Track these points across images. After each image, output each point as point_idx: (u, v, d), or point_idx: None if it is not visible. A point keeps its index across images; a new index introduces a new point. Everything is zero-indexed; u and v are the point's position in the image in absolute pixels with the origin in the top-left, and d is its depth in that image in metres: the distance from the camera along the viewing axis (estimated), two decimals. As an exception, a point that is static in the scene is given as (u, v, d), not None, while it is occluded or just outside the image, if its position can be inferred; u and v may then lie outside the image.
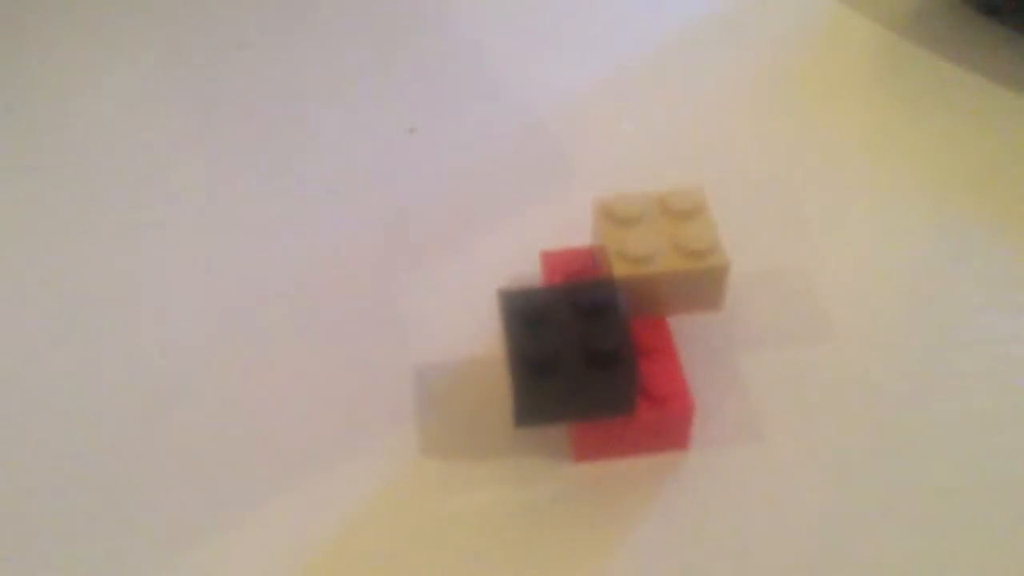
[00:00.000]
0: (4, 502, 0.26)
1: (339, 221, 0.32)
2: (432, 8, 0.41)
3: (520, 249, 0.30)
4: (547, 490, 0.25)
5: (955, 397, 0.27)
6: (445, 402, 0.27)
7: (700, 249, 0.26)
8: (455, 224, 0.32)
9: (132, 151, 0.35)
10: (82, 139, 0.36)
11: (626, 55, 0.38)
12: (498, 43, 0.39)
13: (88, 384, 0.28)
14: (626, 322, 0.24)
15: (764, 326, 0.29)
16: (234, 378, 0.28)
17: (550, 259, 0.28)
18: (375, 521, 0.25)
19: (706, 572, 0.24)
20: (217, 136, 0.36)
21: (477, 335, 0.29)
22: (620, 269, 0.26)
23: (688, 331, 0.28)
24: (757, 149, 0.34)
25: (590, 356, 0.24)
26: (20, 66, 0.39)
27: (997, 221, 0.31)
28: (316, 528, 0.25)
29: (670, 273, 0.26)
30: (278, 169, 0.34)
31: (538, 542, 0.24)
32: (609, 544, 0.24)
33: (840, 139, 0.34)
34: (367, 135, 0.35)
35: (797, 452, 0.26)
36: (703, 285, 0.26)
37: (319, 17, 0.41)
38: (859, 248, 0.31)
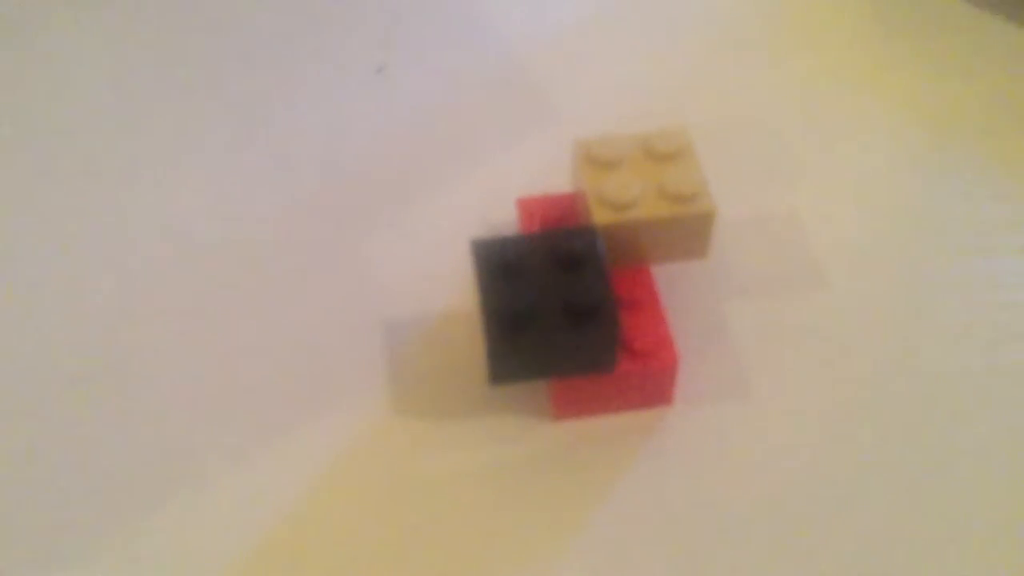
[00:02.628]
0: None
1: (303, 167, 0.31)
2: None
3: (495, 196, 0.29)
4: (524, 450, 0.24)
5: (951, 348, 0.26)
6: (416, 359, 0.26)
7: (685, 194, 0.24)
8: (426, 169, 0.30)
9: (94, 92, 0.33)
10: (46, 75, 0.34)
11: None
12: None
13: (43, 338, 0.27)
14: (607, 273, 0.23)
15: (752, 275, 0.27)
16: (196, 333, 0.27)
17: (527, 206, 0.27)
18: (343, 483, 0.24)
19: (689, 533, 0.23)
20: (181, 79, 0.34)
21: (450, 287, 0.27)
22: (601, 216, 0.24)
23: (672, 281, 0.27)
24: (744, 89, 0.33)
25: (569, 310, 0.22)
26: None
27: (995, 161, 0.30)
28: (282, 490, 0.24)
29: (654, 220, 0.24)
30: (241, 113, 0.32)
31: (514, 504, 0.23)
32: (588, 504, 0.23)
33: (832, 77, 0.33)
34: (331, 75, 0.33)
35: (785, 407, 0.25)
36: (688, 232, 0.25)
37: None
38: (851, 192, 0.30)
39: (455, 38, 0.35)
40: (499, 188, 0.29)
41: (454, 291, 0.27)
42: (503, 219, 0.28)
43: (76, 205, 0.30)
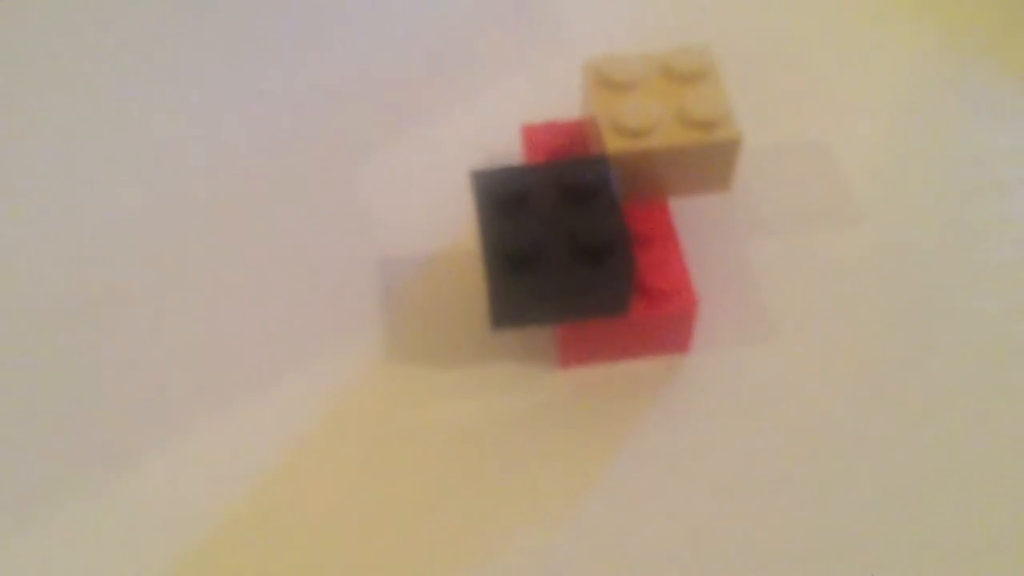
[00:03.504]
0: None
1: (293, 95, 0.29)
2: None
3: (498, 123, 0.27)
4: (527, 400, 0.23)
5: (988, 288, 0.24)
6: (413, 300, 0.25)
7: (707, 119, 0.22)
8: (424, 95, 0.29)
9: (82, 26, 0.31)
10: (37, 12, 0.32)
11: None
12: None
13: (27, 274, 0.25)
14: (620, 207, 0.21)
15: (776, 209, 0.26)
16: (183, 271, 0.25)
17: (533, 134, 0.25)
18: (338, 432, 0.23)
19: (707, 486, 0.22)
20: (172, 7, 0.32)
21: (449, 223, 0.26)
22: (614, 144, 0.22)
23: (691, 215, 0.25)
24: (767, 9, 0.31)
25: (578, 247, 0.21)
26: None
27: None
28: (275, 439, 0.23)
29: (672, 148, 0.23)
30: (231, 40, 0.31)
31: (516, 457, 0.22)
32: (598, 458, 0.22)
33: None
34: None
35: (810, 353, 0.23)
36: (710, 162, 0.23)
37: None
38: (880, 118, 0.28)
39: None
40: (502, 115, 0.27)
41: (454, 226, 0.26)
42: (506, 148, 0.27)
43: (65, 137, 0.28)
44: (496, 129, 0.27)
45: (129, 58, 0.30)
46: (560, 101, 0.26)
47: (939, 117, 0.28)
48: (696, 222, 0.25)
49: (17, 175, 0.27)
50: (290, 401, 0.23)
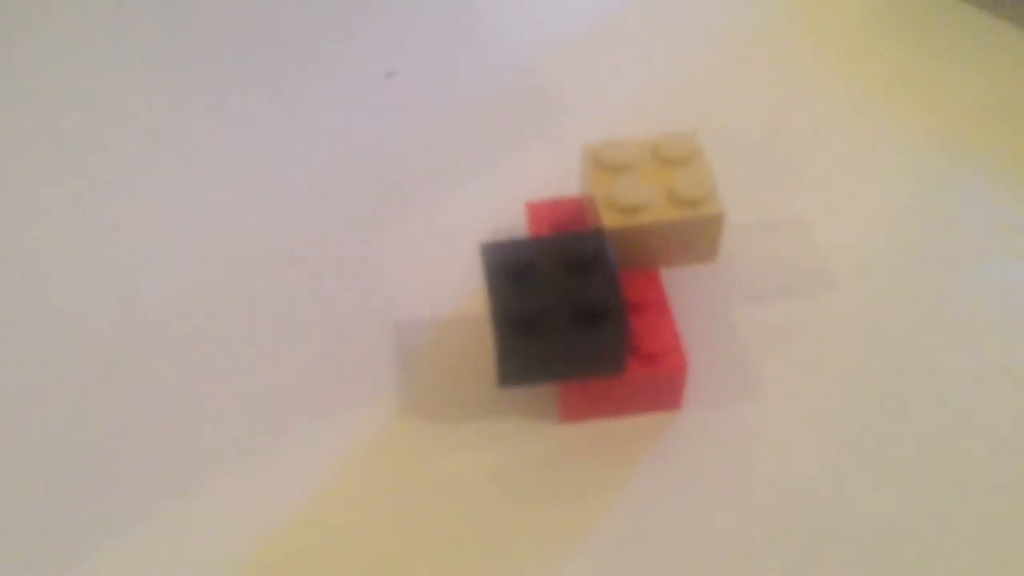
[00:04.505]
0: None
1: (315, 171, 0.31)
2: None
3: (504, 200, 0.29)
4: (532, 452, 0.24)
5: (960, 351, 0.26)
6: (426, 360, 0.26)
7: (694, 197, 0.25)
8: (436, 174, 0.31)
9: (117, 101, 0.34)
10: (61, 80, 0.34)
11: (618, 0, 0.37)
12: None
13: (58, 334, 0.27)
14: (616, 276, 0.23)
15: (760, 279, 0.28)
16: (209, 333, 0.27)
17: (536, 210, 0.27)
18: (353, 483, 0.24)
19: (699, 537, 0.23)
20: (194, 82, 0.34)
21: (460, 290, 0.27)
22: (610, 219, 0.24)
23: (681, 284, 0.27)
24: (753, 96, 0.33)
25: (578, 312, 0.23)
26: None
27: (1001, 164, 0.30)
28: (293, 490, 0.24)
29: (662, 223, 0.24)
30: (253, 116, 0.33)
31: (522, 506, 0.23)
32: (595, 508, 0.23)
33: (842, 84, 0.33)
34: (342, 80, 0.34)
35: (794, 411, 0.25)
36: (697, 236, 0.25)
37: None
38: (860, 196, 0.30)
39: (464, 44, 0.35)
40: (508, 192, 0.29)
41: (464, 294, 0.27)
42: (512, 223, 0.28)
43: (100, 207, 0.30)
44: (503, 205, 0.28)
45: (165, 130, 0.32)
46: (561, 181, 0.28)
47: (908, 196, 0.29)
48: (686, 290, 0.27)
49: (66, 235, 0.29)
50: (314, 452, 0.24)
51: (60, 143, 0.32)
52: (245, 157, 0.32)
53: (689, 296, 0.27)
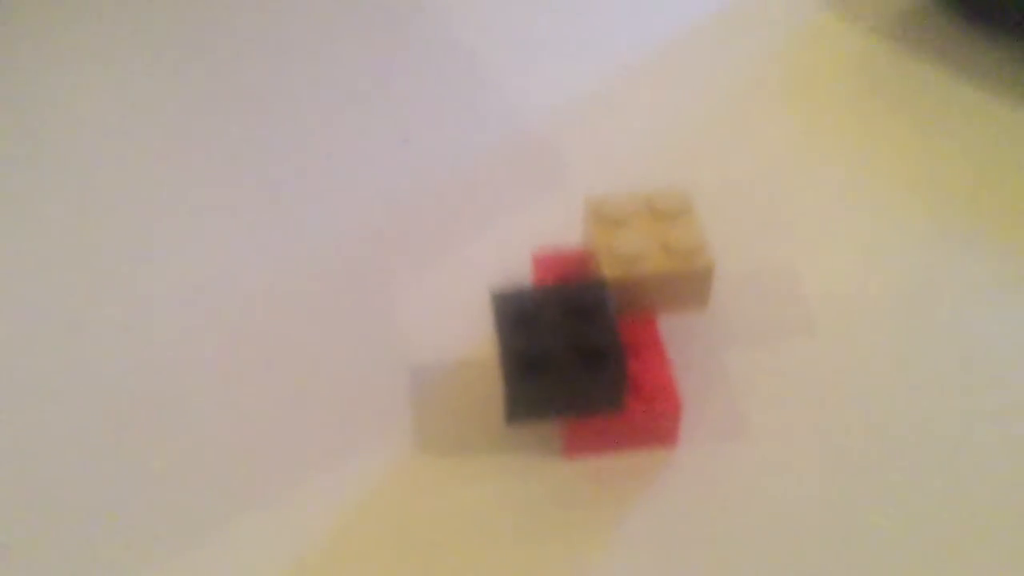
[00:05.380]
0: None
1: (334, 227, 0.33)
2: (424, 17, 0.41)
3: (512, 252, 0.31)
4: (538, 486, 0.26)
5: (940, 396, 0.27)
6: (439, 401, 0.28)
7: (687, 250, 0.26)
8: (448, 228, 0.32)
9: (125, 151, 0.35)
10: (76, 132, 0.36)
11: (615, 59, 0.39)
12: (489, 49, 0.40)
13: (76, 385, 0.28)
14: (615, 321, 0.25)
15: (750, 325, 0.29)
16: (227, 378, 0.28)
17: (541, 261, 0.29)
18: (369, 518, 0.25)
19: (695, 567, 0.24)
20: (211, 140, 0.36)
21: (470, 336, 0.29)
22: (610, 269, 0.26)
23: (676, 330, 0.28)
24: (744, 153, 0.35)
25: (580, 354, 0.24)
26: (12, 54, 0.39)
27: (979, 220, 0.32)
28: (311, 524, 0.25)
29: (658, 274, 0.26)
30: (273, 177, 0.35)
31: (528, 536, 0.25)
32: (597, 539, 0.25)
33: (826, 143, 0.35)
34: (362, 146, 0.36)
35: (783, 450, 0.26)
36: (690, 285, 0.27)
37: (315, 30, 0.41)
38: (843, 249, 0.31)
39: (472, 110, 0.37)
40: (515, 245, 0.31)
41: (474, 339, 0.29)
42: (519, 273, 0.30)
43: (118, 261, 0.32)
44: (510, 257, 0.30)
45: (189, 190, 0.34)
46: (563, 233, 0.29)
47: (890, 248, 0.31)
48: (681, 335, 0.28)
49: (82, 287, 0.31)
50: (329, 489, 0.26)
51: (87, 184, 0.34)
52: (267, 210, 0.33)
53: (683, 341, 0.28)
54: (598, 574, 0.24)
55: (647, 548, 0.25)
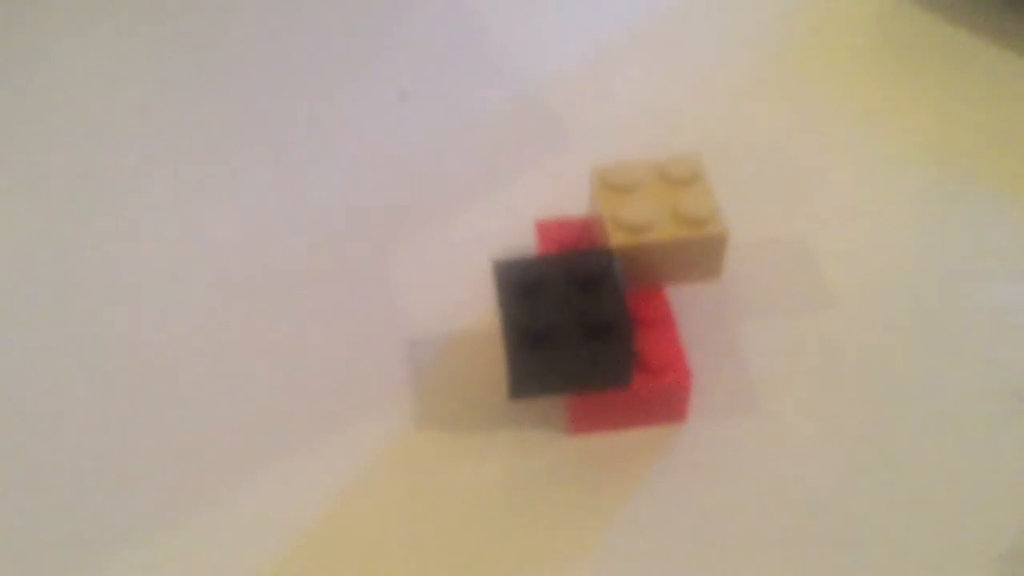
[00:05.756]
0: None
1: (328, 192, 0.32)
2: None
3: (515, 219, 0.30)
4: (541, 462, 0.25)
5: (959, 365, 0.27)
6: (440, 374, 0.27)
7: (698, 217, 0.25)
8: (448, 193, 0.32)
9: (116, 121, 0.35)
10: (71, 109, 0.35)
11: (624, 23, 0.38)
12: (492, 7, 0.38)
13: (80, 356, 0.28)
14: (623, 293, 0.24)
15: (763, 295, 0.28)
16: (225, 351, 0.28)
17: (545, 229, 0.28)
18: (369, 493, 0.25)
19: (703, 546, 0.24)
20: (204, 104, 0.35)
21: (472, 307, 0.28)
22: (617, 238, 0.25)
23: (686, 301, 0.27)
24: (757, 117, 0.34)
25: (586, 327, 0.23)
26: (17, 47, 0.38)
27: (1000, 186, 0.31)
28: (311, 499, 0.25)
29: (668, 241, 0.25)
30: (265, 138, 0.34)
31: (531, 515, 0.24)
32: (603, 517, 0.24)
33: (841, 107, 0.34)
34: (355, 100, 0.35)
35: (796, 423, 0.26)
36: (702, 254, 0.26)
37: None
38: (859, 216, 0.30)
39: (475, 67, 0.36)
40: (518, 212, 0.30)
41: (476, 310, 0.28)
42: (522, 242, 0.29)
43: (114, 239, 0.31)
44: (513, 225, 0.29)
45: (183, 157, 0.33)
46: (570, 200, 0.28)
47: (908, 215, 0.30)
48: (691, 307, 0.27)
49: (79, 263, 0.30)
50: (330, 464, 0.25)
51: (78, 160, 0.33)
52: (259, 180, 0.32)
53: (694, 312, 0.27)
54: (602, 553, 0.24)
55: (654, 527, 0.24)
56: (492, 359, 0.27)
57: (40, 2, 0.39)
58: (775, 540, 0.24)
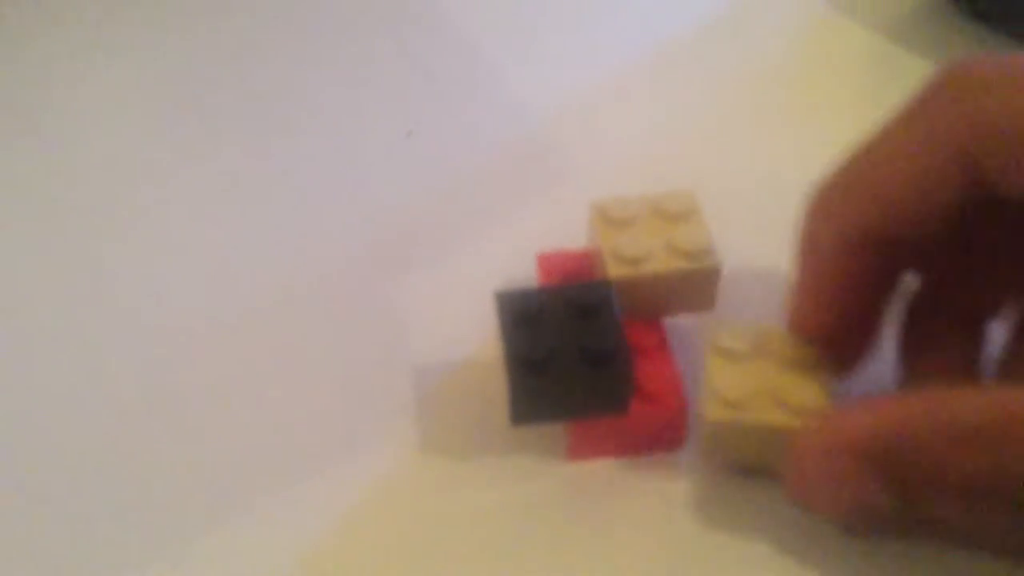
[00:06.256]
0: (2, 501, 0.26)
1: (338, 223, 0.33)
2: (430, 12, 0.41)
3: (517, 252, 0.30)
4: (542, 489, 0.26)
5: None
6: (444, 402, 0.28)
7: (693, 250, 0.26)
8: (453, 227, 0.32)
9: (128, 153, 0.36)
10: (77, 136, 0.36)
11: (621, 59, 0.39)
12: (496, 46, 0.39)
13: (85, 380, 0.28)
14: (620, 321, 0.25)
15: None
16: (233, 378, 0.28)
17: (546, 261, 0.29)
18: (373, 518, 0.25)
19: (700, 568, 0.24)
20: (214, 138, 0.36)
21: (475, 336, 0.29)
22: (615, 270, 0.26)
23: (682, 331, 0.28)
24: (750, 152, 0.35)
25: (585, 355, 0.24)
26: (12, 60, 0.39)
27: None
28: (315, 525, 0.25)
29: (663, 274, 0.26)
30: (276, 172, 0.35)
31: (532, 541, 0.25)
32: (602, 544, 0.25)
33: (832, 143, 0.35)
34: (366, 138, 0.36)
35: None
36: (696, 286, 0.27)
37: (317, 21, 0.41)
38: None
39: (479, 106, 0.37)
40: (520, 245, 0.30)
41: (480, 340, 0.29)
42: (524, 274, 0.30)
43: (112, 260, 0.32)
44: (515, 257, 0.30)
45: (189, 187, 0.34)
46: (569, 233, 0.29)
47: None
48: (687, 337, 0.28)
49: (88, 289, 0.31)
50: (334, 489, 0.26)
51: (86, 179, 0.34)
52: (266, 208, 0.33)
53: (689, 342, 0.28)
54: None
55: (653, 553, 0.24)
56: (494, 386, 0.27)
57: (45, 15, 0.40)
58: (776, 566, 0.24)
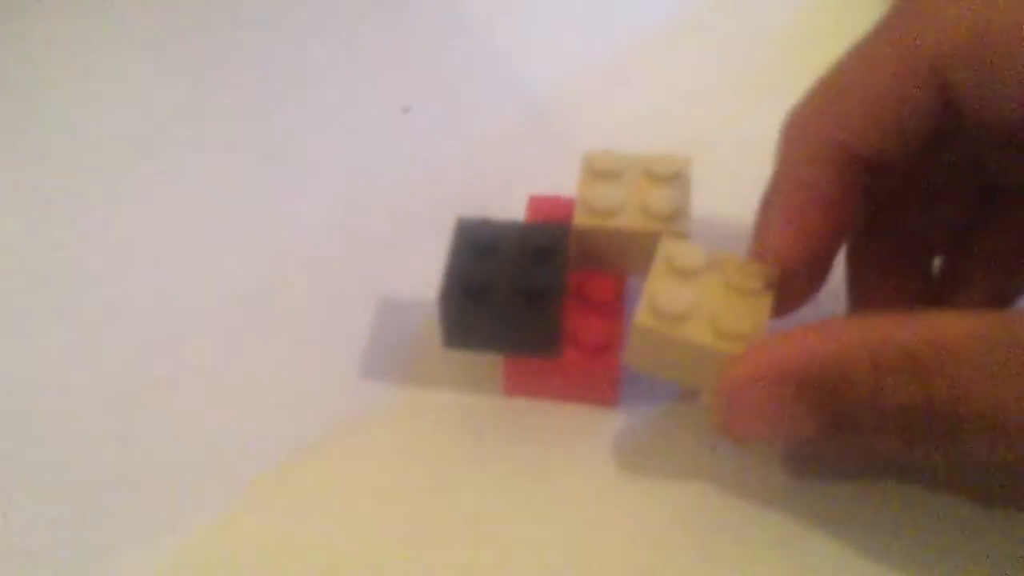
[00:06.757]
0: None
1: (332, 200, 0.33)
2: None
3: (517, 193, 0.30)
4: (475, 418, 0.26)
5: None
6: (394, 338, 0.28)
7: (664, 213, 0.26)
8: (447, 202, 0.30)
9: (122, 128, 0.35)
10: (74, 115, 0.36)
11: (624, 32, 0.38)
12: (494, 21, 0.39)
13: (75, 365, 0.28)
14: (566, 266, 0.25)
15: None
16: (226, 357, 0.28)
17: (536, 203, 0.29)
18: (314, 450, 0.26)
19: (620, 530, 0.24)
20: (208, 116, 0.36)
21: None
22: (579, 218, 0.26)
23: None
24: (754, 123, 0.32)
25: (521, 292, 0.24)
26: (17, 39, 0.39)
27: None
28: (257, 454, 0.26)
29: (626, 230, 0.26)
30: (270, 148, 0.34)
31: (460, 466, 0.25)
32: (526, 479, 0.25)
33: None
34: (361, 114, 0.36)
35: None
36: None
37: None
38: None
39: (475, 79, 0.37)
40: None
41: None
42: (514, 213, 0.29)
43: (118, 242, 0.32)
44: (512, 196, 0.30)
45: (182, 168, 0.34)
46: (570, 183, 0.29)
47: None
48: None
49: (85, 266, 0.31)
50: (287, 420, 0.26)
51: (79, 164, 0.34)
52: (260, 186, 0.33)
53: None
54: (519, 516, 0.24)
55: (570, 501, 0.25)
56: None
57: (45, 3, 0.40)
58: (694, 527, 0.24)
